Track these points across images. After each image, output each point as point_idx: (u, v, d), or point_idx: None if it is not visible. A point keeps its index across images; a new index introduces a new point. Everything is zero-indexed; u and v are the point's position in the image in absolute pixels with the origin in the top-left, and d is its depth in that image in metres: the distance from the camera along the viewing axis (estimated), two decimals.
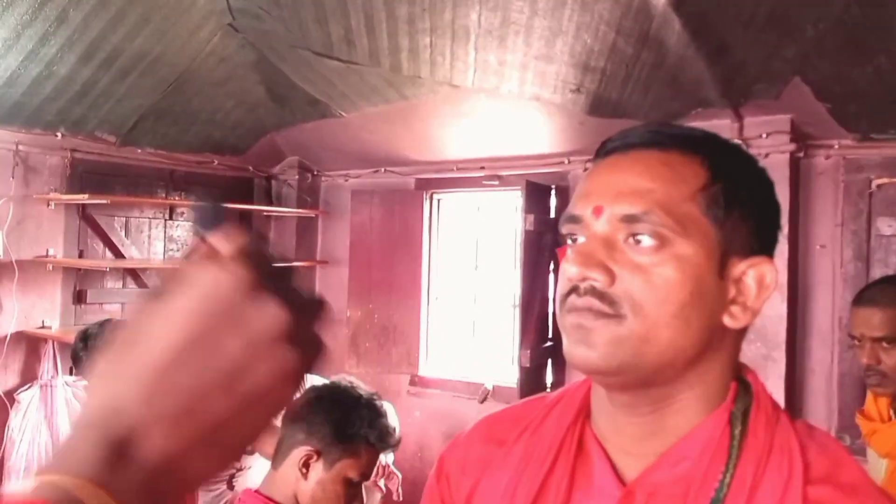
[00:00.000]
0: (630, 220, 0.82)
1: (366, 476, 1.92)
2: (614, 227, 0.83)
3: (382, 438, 1.87)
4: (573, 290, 0.84)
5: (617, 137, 0.90)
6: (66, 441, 0.45)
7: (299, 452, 1.82)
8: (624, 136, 0.89)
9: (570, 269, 0.84)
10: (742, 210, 0.85)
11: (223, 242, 0.51)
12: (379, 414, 1.90)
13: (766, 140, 3.40)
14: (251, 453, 2.77)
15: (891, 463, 2.14)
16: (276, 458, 1.88)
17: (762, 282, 0.85)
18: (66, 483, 0.42)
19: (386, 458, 2.92)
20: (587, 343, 0.82)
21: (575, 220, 0.87)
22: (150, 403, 0.46)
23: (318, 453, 1.82)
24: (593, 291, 0.82)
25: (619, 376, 0.84)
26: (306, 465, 1.82)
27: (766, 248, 0.88)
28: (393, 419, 1.97)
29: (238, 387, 0.48)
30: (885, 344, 2.14)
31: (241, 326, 0.48)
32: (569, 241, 0.89)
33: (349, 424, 1.85)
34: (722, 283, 0.84)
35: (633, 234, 0.82)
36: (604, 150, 0.91)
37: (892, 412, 2.26)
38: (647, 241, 0.81)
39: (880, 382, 2.19)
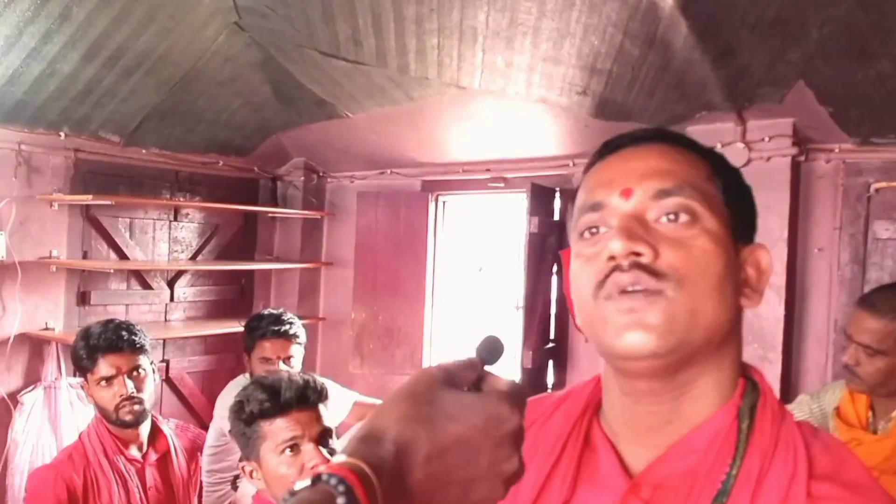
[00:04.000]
0: (663, 194, 0.85)
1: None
2: (645, 206, 0.85)
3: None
4: (615, 268, 0.83)
5: (623, 135, 0.93)
6: (363, 437, 0.65)
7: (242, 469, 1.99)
8: (630, 134, 0.93)
9: (613, 246, 0.83)
10: (739, 201, 0.91)
11: (500, 378, 0.74)
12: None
13: (769, 143, 3.42)
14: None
15: (876, 475, 2.14)
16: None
17: (759, 265, 0.90)
18: (361, 465, 0.61)
19: None
20: (643, 327, 0.82)
21: (597, 207, 0.88)
22: (428, 445, 0.65)
23: (247, 460, 1.96)
24: (639, 266, 0.82)
25: (670, 357, 0.83)
26: (251, 475, 1.96)
27: (754, 239, 0.94)
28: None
29: (475, 462, 0.67)
30: (867, 351, 2.19)
31: (499, 434, 0.68)
32: (586, 234, 0.89)
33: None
34: (738, 262, 0.89)
35: (666, 212, 0.85)
36: (611, 146, 0.93)
37: (871, 414, 2.30)
38: (682, 216, 0.84)
39: (851, 380, 2.28)
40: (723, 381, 0.88)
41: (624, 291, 0.83)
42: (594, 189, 0.89)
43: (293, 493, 0.61)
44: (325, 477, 0.60)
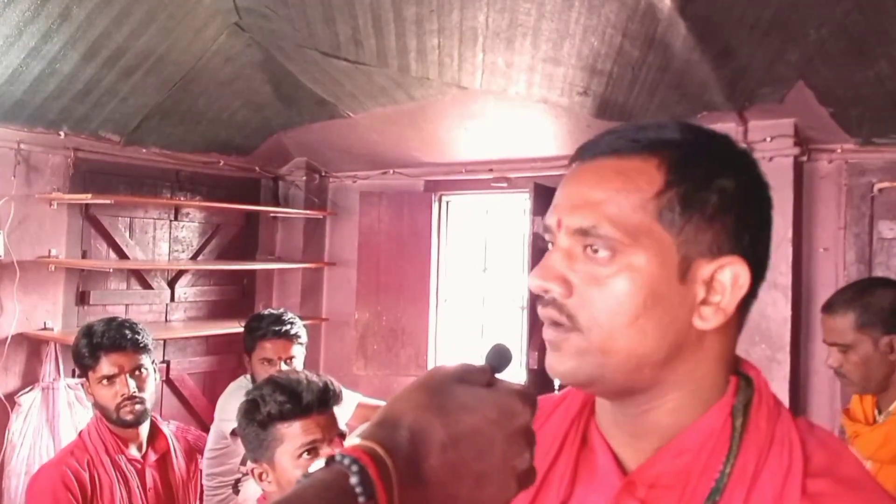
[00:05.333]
0: (581, 233, 0.84)
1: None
2: (573, 240, 0.86)
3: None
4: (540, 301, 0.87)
5: (586, 145, 0.91)
6: (378, 423, 0.67)
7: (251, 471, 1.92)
8: (592, 143, 0.90)
9: (531, 282, 0.87)
10: (704, 212, 0.84)
11: (510, 382, 0.75)
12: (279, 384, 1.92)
13: (771, 144, 3.44)
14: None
15: (874, 465, 2.17)
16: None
17: (736, 282, 0.84)
18: (375, 447, 0.62)
19: None
20: (558, 355, 0.86)
21: (548, 230, 0.90)
22: (442, 433, 0.66)
23: (256, 461, 1.90)
24: (553, 303, 0.85)
25: (592, 387, 0.88)
26: (260, 477, 1.89)
27: (741, 248, 0.85)
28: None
29: (489, 454, 0.67)
30: (840, 349, 2.24)
31: (511, 427, 0.69)
32: (549, 247, 0.91)
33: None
34: (685, 287, 0.84)
35: (586, 246, 0.84)
36: (575, 159, 0.92)
37: (876, 412, 2.31)
38: (601, 252, 0.83)
39: (844, 383, 2.31)
40: (702, 391, 0.87)
41: (543, 320, 0.87)
42: (550, 210, 0.91)
43: (307, 475, 0.62)
44: (338, 458, 0.61)
